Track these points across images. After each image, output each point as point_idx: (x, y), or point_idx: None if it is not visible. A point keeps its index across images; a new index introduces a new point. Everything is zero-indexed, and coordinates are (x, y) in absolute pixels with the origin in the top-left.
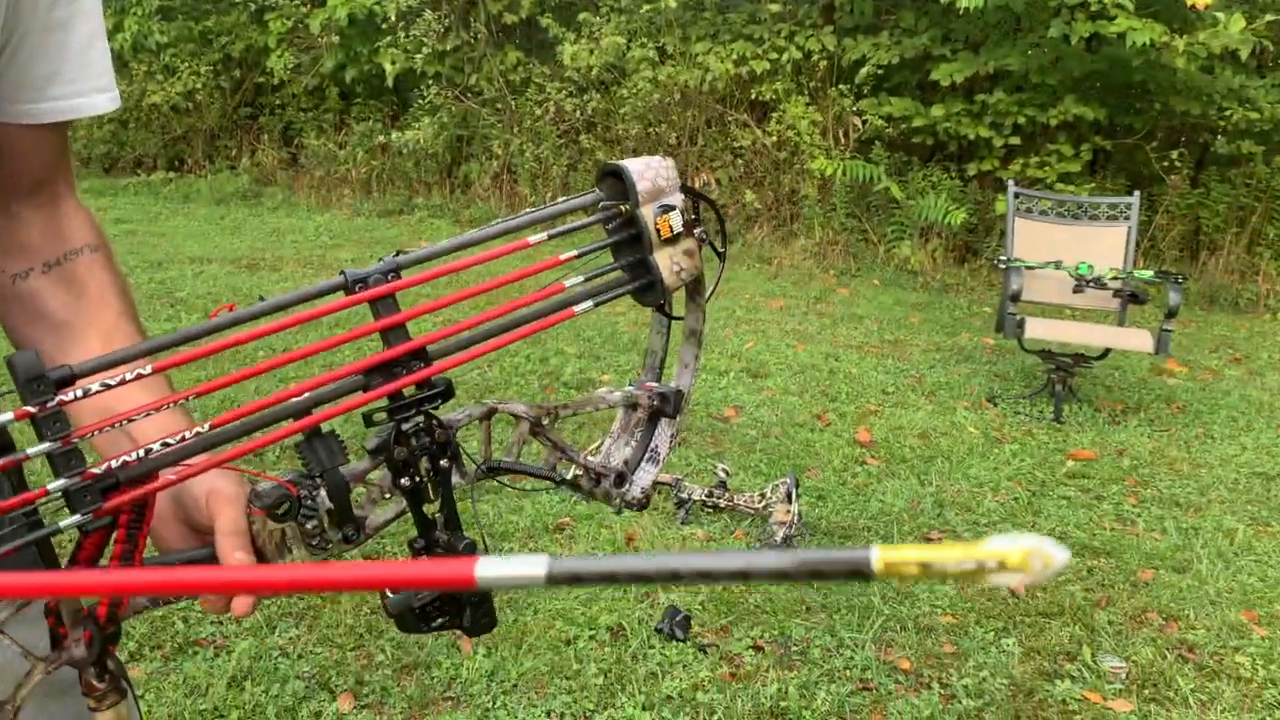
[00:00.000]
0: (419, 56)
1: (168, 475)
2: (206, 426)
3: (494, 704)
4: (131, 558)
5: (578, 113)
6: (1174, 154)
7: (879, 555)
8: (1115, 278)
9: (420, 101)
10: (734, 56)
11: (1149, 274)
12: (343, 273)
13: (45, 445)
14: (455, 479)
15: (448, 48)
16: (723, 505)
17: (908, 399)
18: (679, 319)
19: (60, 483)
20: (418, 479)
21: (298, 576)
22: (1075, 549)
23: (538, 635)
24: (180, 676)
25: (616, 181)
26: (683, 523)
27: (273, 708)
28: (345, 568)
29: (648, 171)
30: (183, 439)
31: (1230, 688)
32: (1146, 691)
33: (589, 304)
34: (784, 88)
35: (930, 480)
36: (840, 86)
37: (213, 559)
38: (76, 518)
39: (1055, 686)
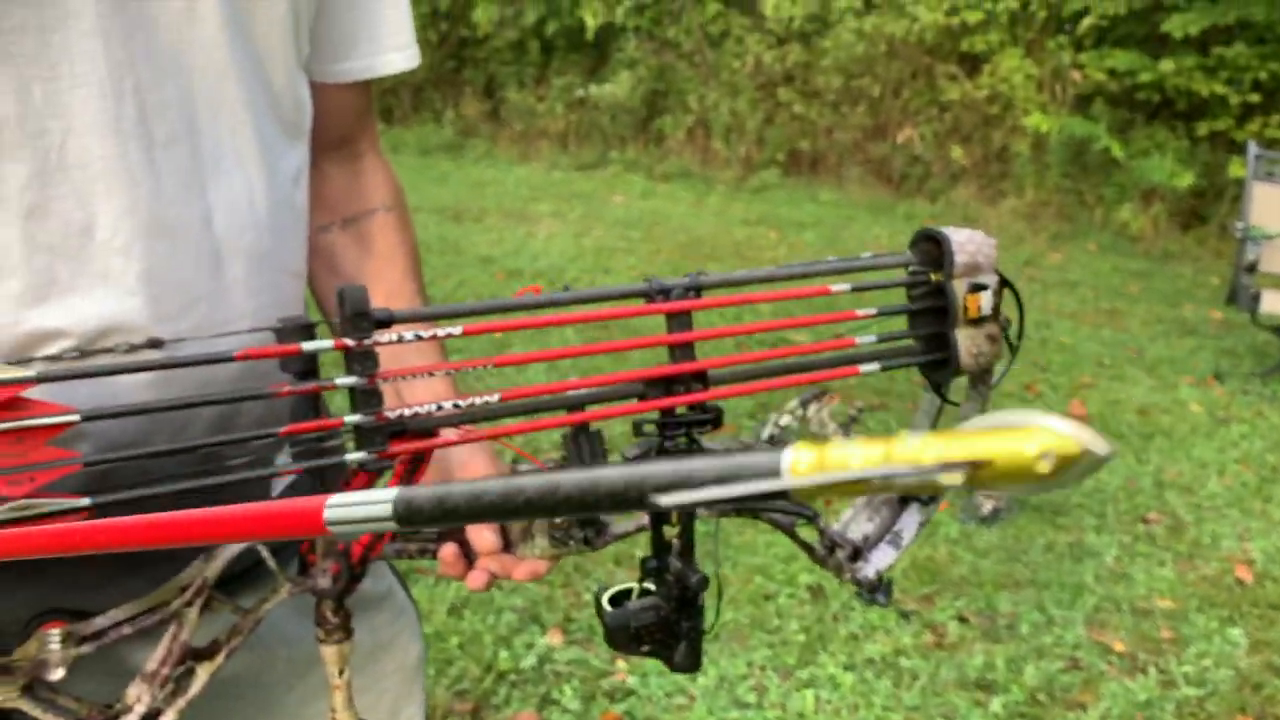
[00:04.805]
0: (620, 9)
1: (449, 434)
2: (497, 397)
3: None
4: None
5: (777, 65)
6: None
7: (791, 460)
8: None
9: (619, 55)
10: (945, 6)
11: None
12: (647, 280)
13: (353, 379)
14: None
15: (648, 0)
16: None
17: (1125, 372)
18: (954, 404)
19: (357, 417)
20: None
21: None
22: None
23: (738, 589)
24: None
25: (932, 247)
26: None
27: (489, 636)
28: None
29: (969, 245)
30: (471, 404)
31: None
32: None
33: (875, 366)
34: (998, 39)
35: (1149, 459)
36: (1059, 38)
37: (461, 525)
38: (362, 454)
39: None
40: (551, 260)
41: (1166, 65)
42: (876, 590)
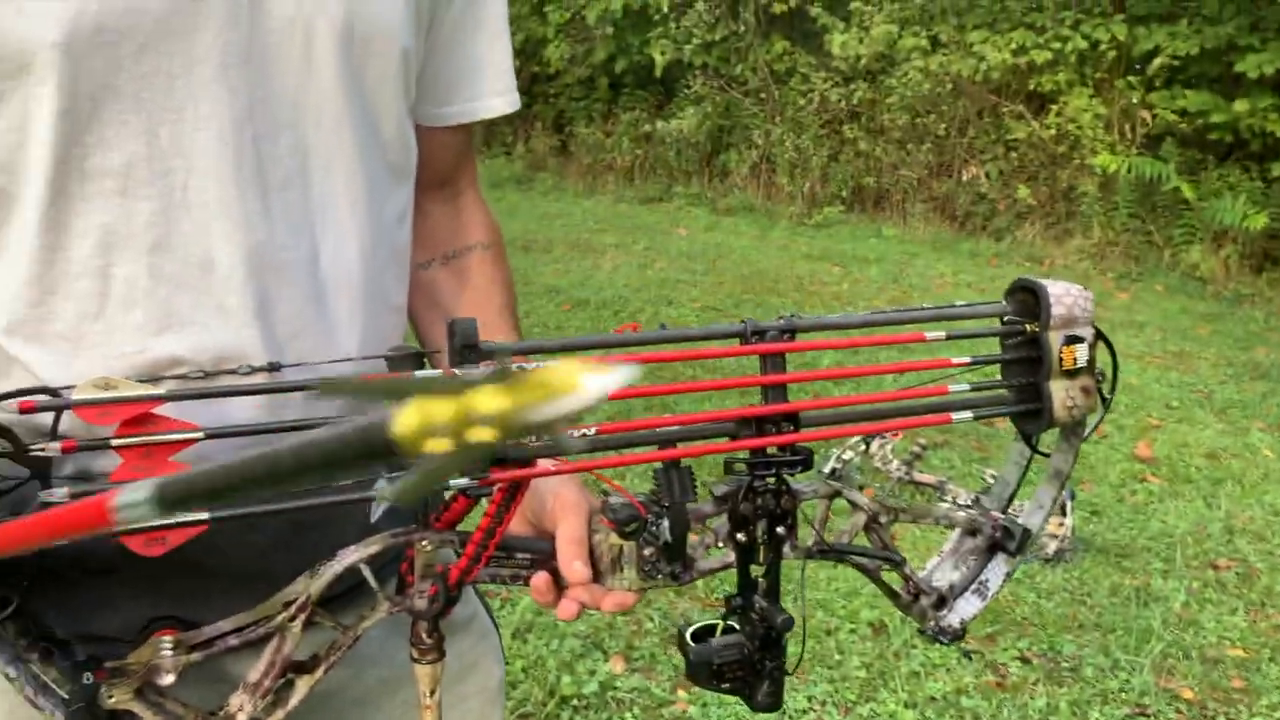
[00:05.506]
0: (688, 47)
1: (546, 464)
2: (594, 430)
3: None
4: (493, 533)
5: (842, 103)
6: None
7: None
8: None
9: (686, 91)
10: (1012, 46)
11: None
12: (743, 321)
13: None
14: (785, 549)
15: (715, 38)
16: None
17: (1194, 415)
18: (1045, 455)
19: None
20: (753, 538)
21: None
22: None
23: (798, 622)
24: None
25: (1028, 298)
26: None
27: (553, 661)
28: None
29: (1065, 297)
30: (569, 436)
31: None
32: None
33: (968, 414)
34: (1066, 79)
35: (1219, 504)
36: (1129, 78)
37: (552, 553)
38: (464, 480)
39: None
40: (616, 291)
41: (1240, 106)
42: (960, 638)
